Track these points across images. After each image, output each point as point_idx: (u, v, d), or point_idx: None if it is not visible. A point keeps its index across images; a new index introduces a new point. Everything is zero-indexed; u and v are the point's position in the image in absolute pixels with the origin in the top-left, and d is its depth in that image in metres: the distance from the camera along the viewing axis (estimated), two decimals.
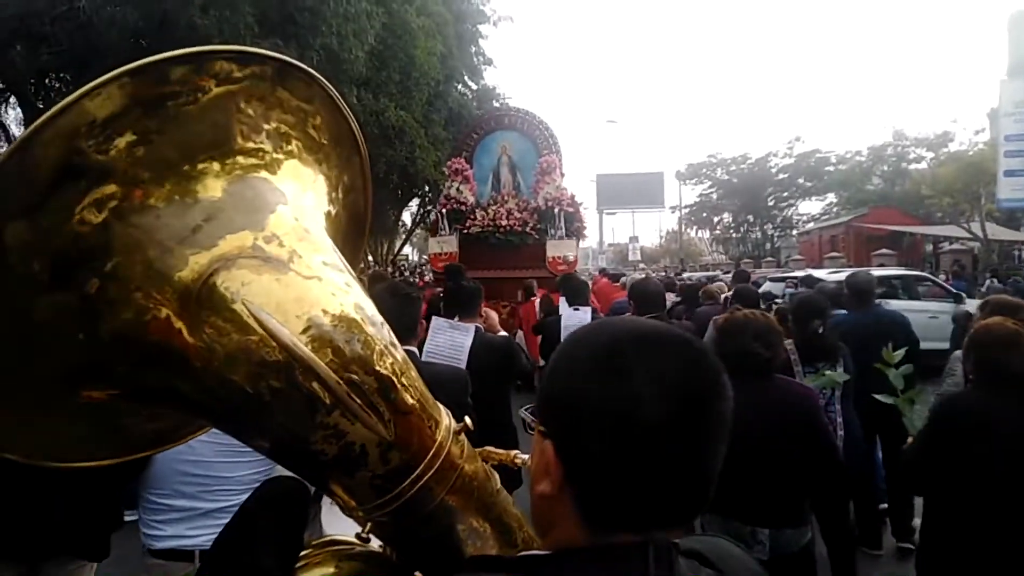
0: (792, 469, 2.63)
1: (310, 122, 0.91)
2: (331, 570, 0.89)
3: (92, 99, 0.69)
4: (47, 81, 11.84)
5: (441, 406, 0.94)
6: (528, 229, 12.00)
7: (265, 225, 0.81)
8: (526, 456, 0.91)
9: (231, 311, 0.75)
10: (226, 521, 1.52)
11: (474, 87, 20.84)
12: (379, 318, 0.88)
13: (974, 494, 2.45)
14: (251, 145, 0.84)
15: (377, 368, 0.82)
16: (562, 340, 3.24)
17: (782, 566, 2.53)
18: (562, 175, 12.64)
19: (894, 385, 3.39)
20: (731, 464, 1.56)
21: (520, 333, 8.69)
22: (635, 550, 0.69)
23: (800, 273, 15.07)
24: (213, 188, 0.78)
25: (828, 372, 3.76)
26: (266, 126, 0.85)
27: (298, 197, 0.88)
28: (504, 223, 11.97)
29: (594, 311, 6.45)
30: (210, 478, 2.20)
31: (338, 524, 1.01)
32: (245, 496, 2.08)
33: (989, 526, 2.41)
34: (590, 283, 12.72)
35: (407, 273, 20.11)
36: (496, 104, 19.98)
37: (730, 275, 14.70)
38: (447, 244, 12.16)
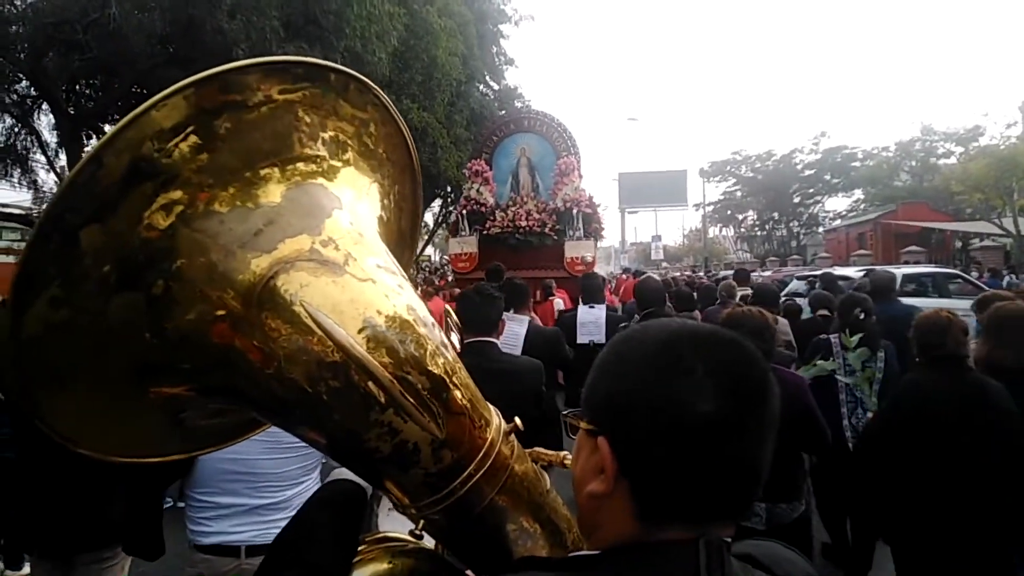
0: (784, 449, 2.79)
1: (365, 132, 0.94)
2: (385, 566, 0.92)
3: (159, 109, 0.72)
4: (77, 87, 12.07)
5: (491, 407, 0.95)
6: (547, 230, 12.10)
7: (322, 229, 0.84)
8: None
9: (290, 312, 0.78)
10: (271, 517, 1.60)
11: (496, 87, 20.84)
12: (430, 319, 0.90)
13: (921, 457, 2.88)
14: (309, 152, 0.86)
15: (430, 368, 0.84)
16: (578, 335, 3.42)
17: (778, 536, 2.78)
18: (580, 176, 12.74)
19: (853, 366, 4.02)
20: None
21: None
22: (686, 547, 0.68)
23: (808, 272, 15.06)
24: (273, 194, 0.82)
25: (819, 362, 4.16)
26: (323, 134, 0.88)
27: (353, 203, 0.91)
28: (523, 224, 12.05)
29: (611, 308, 6.50)
30: (254, 475, 2.23)
31: (393, 527, 1.04)
32: (290, 491, 1.99)
33: (934, 482, 2.83)
34: (614, 283, 12.72)
35: (428, 274, 20.17)
36: (518, 104, 19.98)
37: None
38: (467, 245, 12.24)
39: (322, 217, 0.85)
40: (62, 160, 12.53)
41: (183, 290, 0.77)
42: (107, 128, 13.06)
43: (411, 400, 0.82)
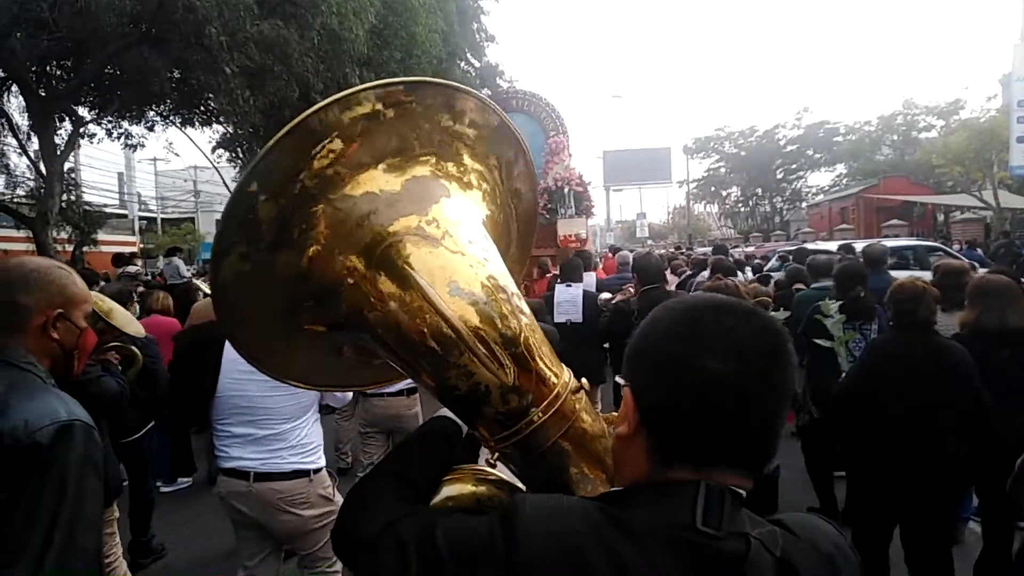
0: None
1: (479, 140, 1.15)
2: (469, 487, 1.07)
3: (320, 114, 0.96)
4: (48, 68, 11.78)
5: (565, 367, 1.11)
6: (539, 208, 12.08)
7: (428, 211, 1.06)
8: None
9: (398, 273, 1.02)
10: (274, 447, 2.56)
11: (477, 64, 20.62)
12: (512, 288, 1.09)
13: (888, 412, 3.15)
14: (426, 152, 1.09)
15: (501, 327, 1.03)
16: (555, 314, 3.65)
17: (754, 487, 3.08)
18: (570, 155, 12.86)
19: (832, 332, 4.22)
20: None
21: None
22: (689, 486, 0.80)
23: (791, 247, 15.40)
24: (394, 183, 1.05)
25: (773, 314, 4.27)
26: (438, 138, 1.10)
27: (459, 192, 1.13)
28: None
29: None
30: (255, 409, 2.70)
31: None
32: (286, 425, 2.71)
33: (898, 437, 3.11)
34: (600, 261, 12.80)
35: None
36: (500, 82, 19.81)
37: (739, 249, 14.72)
38: None
39: (430, 202, 1.07)
40: (34, 144, 12.24)
41: (325, 252, 1.02)
42: (79, 110, 12.79)
43: (483, 350, 1.01)
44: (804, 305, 4.80)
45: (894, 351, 3.25)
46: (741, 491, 0.82)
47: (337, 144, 0.98)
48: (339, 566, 3.00)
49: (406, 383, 4.00)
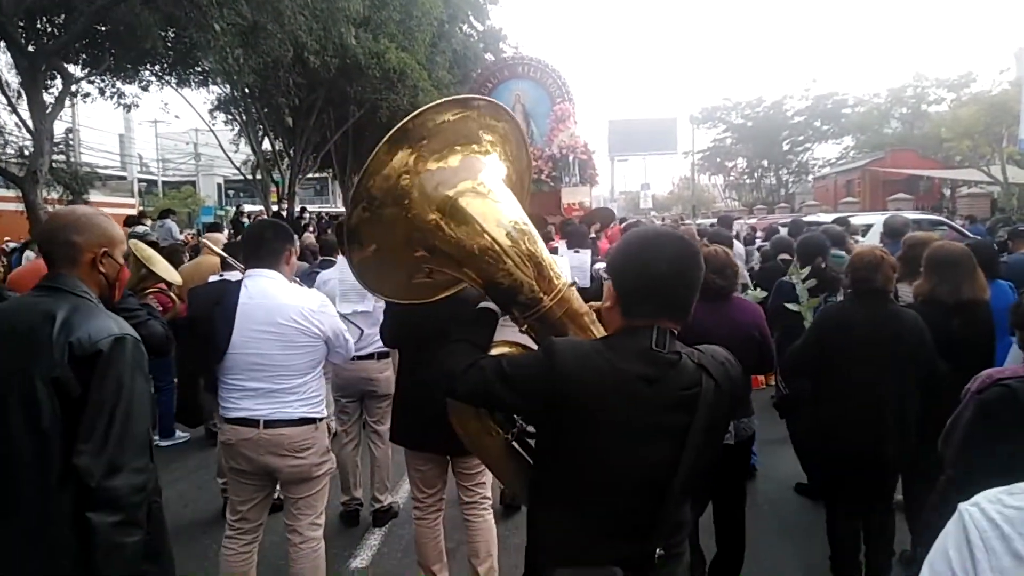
0: (746, 369, 3.28)
1: (501, 130, 1.76)
2: (508, 348, 1.77)
3: (408, 123, 1.59)
4: (36, 24, 11.50)
5: (562, 272, 1.72)
6: (544, 176, 12.15)
7: (477, 176, 1.66)
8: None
9: (463, 215, 1.62)
10: (284, 399, 2.98)
11: (480, 28, 20.20)
12: (528, 224, 1.70)
13: (842, 379, 3.27)
14: (472, 141, 1.70)
15: (524, 247, 1.64)
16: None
17: (738, 448, 3.36)
18: (575, 123, 12.82)
19: (800, 296, 4.45)
20: None
21: None
22: (646, 328, 1.48)
23: (787, 218, 15.58)
24: (454, 161, 1.64)
25: (750, 292, 4.75)
26: (479, 132, 1.72)
27: (491, 164, 1.73)
28: None
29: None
30: (271, 366, 2.93)
31: (504, 335, 1.82)
32: (298, 380, 3.09)
33: (848, 393, 3.24)
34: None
35: None
36: (503, 46, 19.41)
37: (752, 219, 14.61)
38: None
39: (477, 172, 1.67)
40: (24, 102, 11.98)
41: (415, 207, 1.60)
42: (70, 68, 12.53)
43: (518, 259, 1.62)
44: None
45: (847, 318, 3.32)
46: (675, 330, 1.51)
47: (417, 141, 1.58)
48: (323, 519, 3.17)
49: (376, 347, 4.11)
